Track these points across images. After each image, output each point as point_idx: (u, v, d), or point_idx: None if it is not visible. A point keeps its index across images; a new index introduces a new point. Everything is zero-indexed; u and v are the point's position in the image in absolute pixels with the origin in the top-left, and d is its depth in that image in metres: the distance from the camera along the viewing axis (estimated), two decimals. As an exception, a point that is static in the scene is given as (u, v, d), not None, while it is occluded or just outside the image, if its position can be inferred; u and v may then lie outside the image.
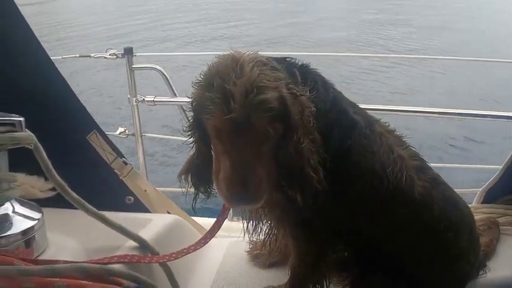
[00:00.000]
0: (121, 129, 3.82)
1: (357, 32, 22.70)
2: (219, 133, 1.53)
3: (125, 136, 3.81)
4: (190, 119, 1.73)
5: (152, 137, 4.67)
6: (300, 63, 1.81)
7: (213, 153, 1.67)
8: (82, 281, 1.22)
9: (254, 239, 2.30)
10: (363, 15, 28.06)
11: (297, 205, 1.65)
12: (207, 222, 2.35)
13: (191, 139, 1.74)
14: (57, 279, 1.18)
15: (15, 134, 1.31)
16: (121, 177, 2.38)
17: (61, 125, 2.12)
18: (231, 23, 26.04)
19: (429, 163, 2.02)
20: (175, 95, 3.50)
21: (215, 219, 1.97)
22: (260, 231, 2.07)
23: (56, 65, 2.11)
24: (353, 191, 1.80)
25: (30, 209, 1.49)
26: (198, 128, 1.67)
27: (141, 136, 3.73)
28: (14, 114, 1.35)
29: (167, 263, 1.75)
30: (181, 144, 1.85)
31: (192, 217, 2.65)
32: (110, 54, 3.66)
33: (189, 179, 1.80)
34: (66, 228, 1.71)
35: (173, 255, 1.76)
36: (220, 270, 2.33)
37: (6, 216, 1.40)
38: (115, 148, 2.35)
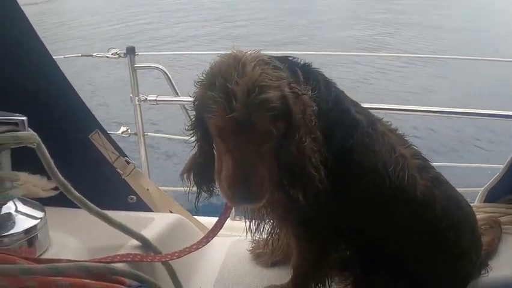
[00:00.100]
0: (123, 129, 3.82)
1: (369, 32, 22.64)
2: (221, 132, 1.53)
3: (127, 135, 3.81)
4: (192, 118, 1.73)
5: (154, 136, 4.65)
6: (302, 62, 1.81)
7: (215, 152, 1.67)
8: (85, 280, 1.22)
9: (256, 238, 2.30)
10: (371, 16, 28.01)
11: (299, 204, 1.65)
12: (209, 221, 2.35)
13: (193, 138, 1.74)
14: (60, 278, 1.18)
15: (18, 133, 1.32)
16: (123, 176, 2.38)
17: (64, 124, 2.12)
18: (238, 22, 25.96)
19: (431, 162, 2.02)
20: (177, 94, 3.50)
21: (217, 218, 1.97)
22: (262, 230, 2.07)
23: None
24: (355, 190, 1.80)
25: (33, 208, 1.49)
26: (200, 127, 1.67)
27: (143, 135, 3.73)
28: (16, 114, 1.35)
29: (170, 262, 1.75)
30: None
31: (194, 216, 2.66)
32: (112, 54, 3.66)
33: (191, 177, 1.80)
34: (68, 227, 1.72)
35: (176, 254, 1.76)
36: (222, 269, 2.33)
37: (9, 215, 1.41)
38: (117, 147, 2.35)
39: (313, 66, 1.83)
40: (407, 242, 1.91)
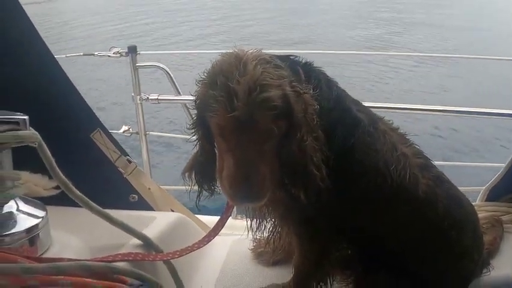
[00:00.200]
0: (124, 128, 3.82)
1: (376, 31, 22.63)
2: (222, 131, 1.54)
3: (129, 134, 3.81)
4: (193, 116, 1.73)
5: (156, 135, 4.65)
6: (303, 61, 1.81)
7: (216, 151, 1.67)
8: (86, 279, 1.22)
9: (258, 237, 2.30)
10: (375, 15, 27.99)
11: (301, 203, 1.65)
12: (211, 220, 2.36)
13: (194, 137, 1.74)
14: (62, 277, 1.18)
15: (19, 132, 1.32)
16: (125, 176, 2.38)
17: (65, 123, 2.12)
18: (244, 22, 25.95)
19: (433, 161, 2.02)
20: (179, 93, 3.49)
21: (219, 217, 1.97)
22: (264, 229, 2.07)
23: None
24: (356, 189, 1.80)
25: (35, 207, 1.49)
26: (201, 125, 1.67)
27: (145, 134, 3.72)
28: (18, 113, 1.35)
29: (171, 260, 1.75)
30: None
31: (196, 215, 2.66)
32: (114, 53, 3.65)
33: (193, 176, 1.80)
34: (70, 226, 1.72)
35: (177, 253, 1.76)
36: (224, 268, 2.33)
37: (10, 214, 1.41)
38: (119, 146, 2.35)
39: (314, 65, 1.83)
40: (408, 240, 1.91)
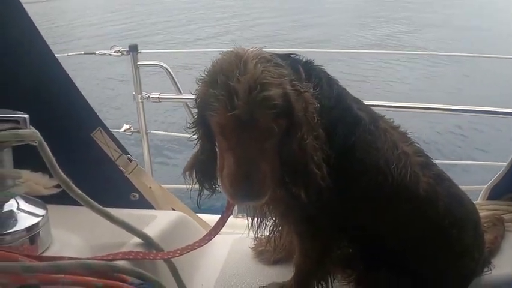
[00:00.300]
0: (126, 126, 3.83)
1: (387, 30, 22.64)
2: (223, 130, 1.54)
3: (130, 133, 3.81)
4: (194, 115, 1.73)
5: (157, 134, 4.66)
6: (304, 60, 1.81)
7: (217, 150, 1.67)
8: (87, 278, 1.22)
9: (259, 236, 2.30)
10: (380, 14, 28.01)
11: (301, 202, 1.65)
12: (212, 218, 2.35)
13: (195, 136, 1.74)
14: (62, 275, 1.18)
15: (20, 131, 1.32)
16: (125, 174, 2.38)
17: (66, 122, 2.12)
18: (253, 21, 25.96)
19: (434, 159, 2.01)
20: (180, 92, 3.49)
21: (219, 215, 1.97)
22: (264, 228, 2.07)
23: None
24: (357, 187, 1.80)
25: (35, 206, 1.49)
26: (202, 124, 1.67)
27: (146, 133, 3.73)
28: (18, 112, 1.36)
29: (172, 259, 1.75)
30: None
31: (197, 214, 2.66)
32: (115, 52, 3.66)
33: (194, 175, 1.80)
34: (70, 225, 1.72)
35: (178, 252, 1.76)
36: (224, 267, 2.33)
37: (11, 212, 1.41)
38: (119, 145, 2.35)
39: (315, 64, 1.83)
40: (409, 239, 1.91)
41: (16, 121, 1.33)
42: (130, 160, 2.40)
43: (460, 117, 8.38)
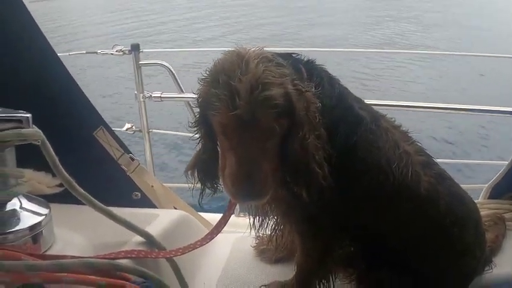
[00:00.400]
0: (127, 125, 3.83)
1: (396, 30, 22.63)
2: (224, 129, 1.54)
3: (132, 132, 3.82)
4: (196, 115, 1.74)
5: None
6: (305, 59, 1.82)
7: (219, 149, 1.68)
8: (90, 276, 1.23)
9: (260, 235, 2.30)
10: (383, 13, 27.99)
11: (303, 201, 1.65)
12: (214, 217, 2.35)
13: (197, 135, 1.75)
14: (65, 274, 1.18)
15: (23, 130, 1.32)
16: (128, 173, 2.39)
17: (67, 121, 2.12)
18: (258, 21, 25.90)
19: (435, 158, 2.02)
20: (182, 91, 3.50)
21: (221, 214, 1.97)
22: (266, 227, 2.08)
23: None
24: (358, 186, 1.80)
25: (38, 205, 1.49)
26: (204, 124, 1.68)
27: (148, 132, 3.73)
28: (21, 111, 1.36)
29: (174, 258, 1.76)
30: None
31: (199, 213, 2.66)
32: (117, 51, 3.67)
33: (196, 174, 1.81)
34: (73, 224, 1.72)
35: (180, 251, 1.77)
36: (226, 266, 2.33)
37: (13, 211, 1.41)
38: (122, 144, 2.35)
39: (316, 63, 1.83)
40: (410, 238, 1.91)
41: (19, 120, 1.33)
42: (132, 159, 2.40)
43: (481, 118, 8.32)
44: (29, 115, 1.36)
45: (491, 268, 2.12)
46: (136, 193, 2.43)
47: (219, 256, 2.40)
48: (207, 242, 1.91)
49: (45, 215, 1.46)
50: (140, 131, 3.76)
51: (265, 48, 1.64)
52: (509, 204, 2.58)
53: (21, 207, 1.43)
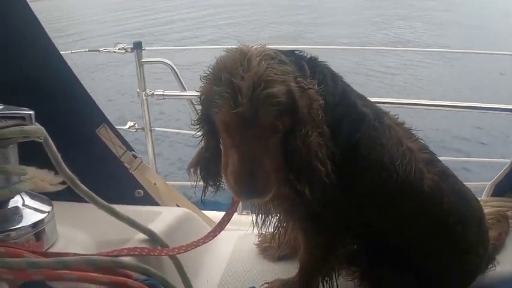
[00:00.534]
0: (130, 123, 3.84)
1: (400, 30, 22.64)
2: (227, 127, 1.54)
3: (134, 130, 3.82)
4: (198, 112, 1.73)
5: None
6: (308, 56, 1.81)
7: (221, 147, 1.67)
8: (92, 274, 1.23)
9: (263, 232, 2.30)
10: (385, 12, 27.98)
11: (306, 199, 1.65)
12: (216, 215, 2.36)
13: (200, 133, 1.74)
14: (67, 271, 1.18)
15: (25, 127, 1.32)
16: (130, 171, 2.39)
17: (70, 118, 2.12)
18: (264, 20, 25.90)
19: (439, 156, 2.01)
20: (184, 89, 3.50)
21: (224, 212, 1.97)
22: (269, 225, 2.07)
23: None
24: (361, 184, 1.79)
25: (40, 202, 1.49)
26: (206, 121, 1.67)
27: (150, 130, 3.73)
28: (23, 108, 1.36)
29: (177, 255, 1.76)
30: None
31: (202, 210, 2.66)
32: (119, 49, 3.67)
33: (198, 172, 1.80)
34: (76, 221, 1.72)
35: (183, 248, 1.77)
36: (229, 263, 2.34)
37: (16, 209, 1.41)
38: (124, 142, 2.35)
39: (319, 60, 1.82)
40: (413, 236, 1.90)
41: (22, 117, 1.33)
42: (135, 157, 2.40)
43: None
44: (31, 112, 1.35)
45: (494, 266, 2.12)
46: (139, 190, 2.43)
47: (222, 254, 2.40)
48: (210, 240, 1.91)
49: (48, 212, 1.46)
50: (142, 129, 3.76)
51: (267, 46, 1.64)
52: (513, 202, 2.57)
53: (23, 205, 1.43)
